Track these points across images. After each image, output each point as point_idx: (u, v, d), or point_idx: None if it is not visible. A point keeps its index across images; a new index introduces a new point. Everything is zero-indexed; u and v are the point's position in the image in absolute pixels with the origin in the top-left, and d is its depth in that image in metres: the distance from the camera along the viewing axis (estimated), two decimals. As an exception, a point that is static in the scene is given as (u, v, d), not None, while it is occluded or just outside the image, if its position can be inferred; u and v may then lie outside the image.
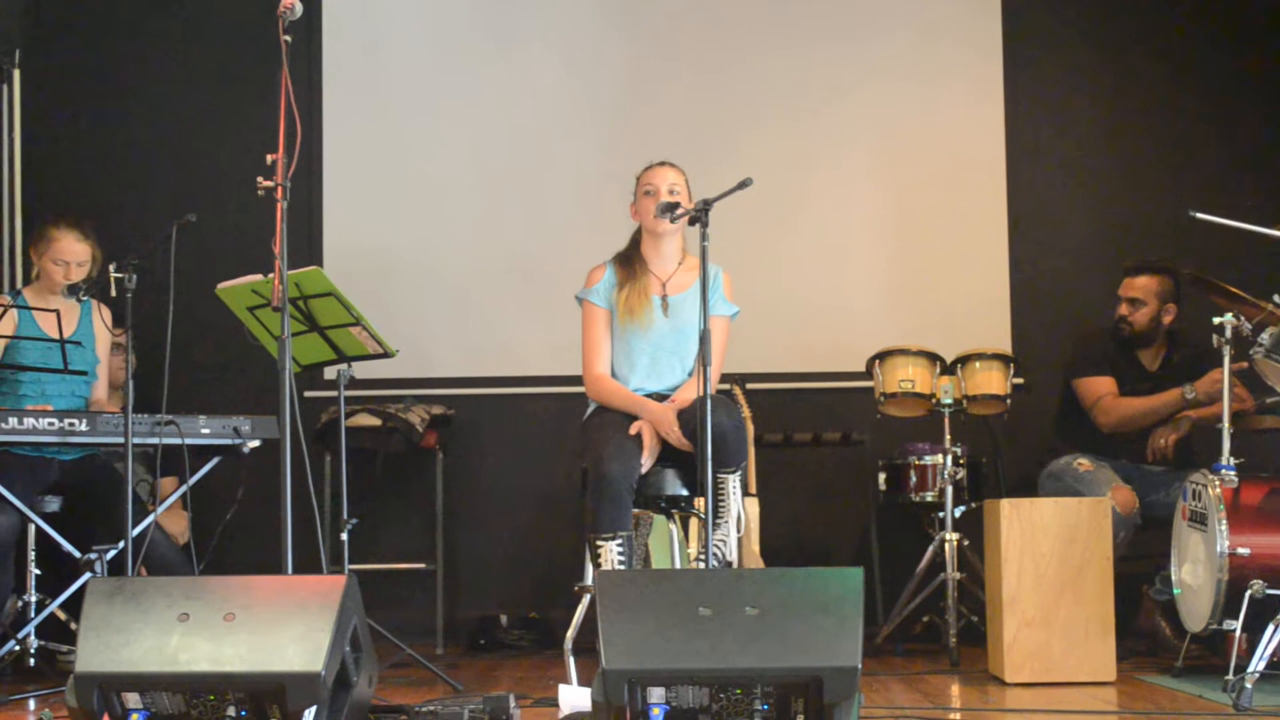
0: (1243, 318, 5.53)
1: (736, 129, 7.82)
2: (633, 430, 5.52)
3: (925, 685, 5.78)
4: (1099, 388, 6.73)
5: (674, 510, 5.67)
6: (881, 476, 7.13)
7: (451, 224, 7.88)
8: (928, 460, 6.96)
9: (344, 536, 5.84)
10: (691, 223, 5.19)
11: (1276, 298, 5.51)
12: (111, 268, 5.56)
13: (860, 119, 7.92)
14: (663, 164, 5.81)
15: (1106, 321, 6.85)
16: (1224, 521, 5.48)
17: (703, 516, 5.19)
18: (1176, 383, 6.68)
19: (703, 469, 5.00)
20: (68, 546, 5.84)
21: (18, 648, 5.81)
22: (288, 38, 4.87)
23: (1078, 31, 8.00)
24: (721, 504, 5.43)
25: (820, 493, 7.71)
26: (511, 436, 7.83)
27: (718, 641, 4.03)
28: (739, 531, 5.53)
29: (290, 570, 4.70)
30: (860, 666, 4.01)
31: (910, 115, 7.90)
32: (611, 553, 5.29)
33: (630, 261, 5.82)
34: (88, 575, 5.53)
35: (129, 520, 5.45)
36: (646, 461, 5.51)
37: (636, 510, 5.59)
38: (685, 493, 5.59)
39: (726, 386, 6.70)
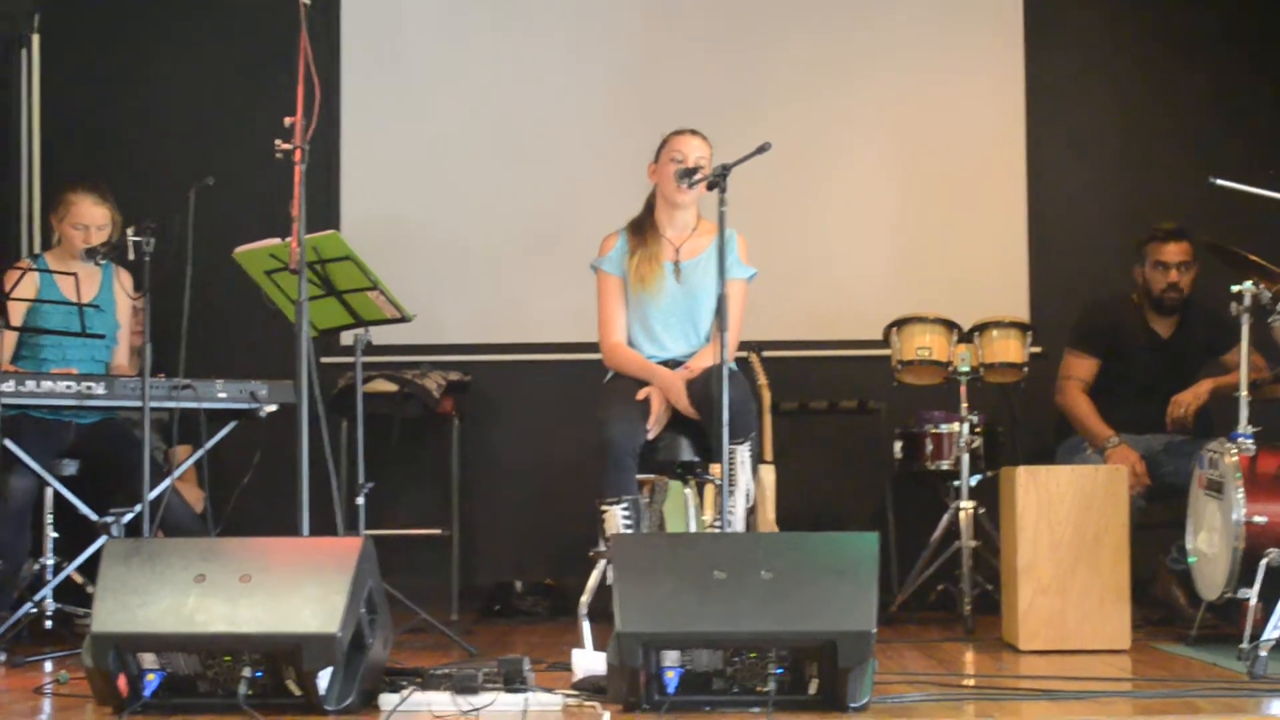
0: (1262, 286, 5.51)
1: (754, 98, 7.80)
2: (640, 396, 5.54)
3: (940, 652, 5.78)
4: (1078, 369, 6.76)
5: (689, 476, 5.68)
6: (897, 445, 7.12)
7: (469, 190, 7.88)
8: (944, 428, 6.94)
9: (360, 501, 5.85)
10: (710, 188, 5.19)
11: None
12: (129, 232, 5.58)
13: (879, 88, 7.90)
14: (694, 133, 5.78)
15: (1121, 290, 6.84)
16: (1240, 490, 5.46)
17: (716, 482, 5.20)
18: (1193, 350, 6.68)
19: (718, 436, 5.00)
20: (85, 510, 5.86)
21: (35, 610, 5.83)
22: (306, 1, 4.87)
23: (1098, 4, 7.96)
24: (730, 474, 5.43)
25: (836, 461, 7.70)
26: (528, 403, 7.84)
27: (732, 605, 4.04)
28: (747, 503, 5.54)
29: (306, 535, 4.71)
30: (875, 631, 4.02)
31: (929, 85, 7.89)
32: (617, 517, 5.33)
33: (643, 228, 5.82)
34: (104, 538, 5.54)
35: (146, 483, 5.47)
36: (653, 428, 5.52)
37: (652, 476, 5.61)
38: (698, 459, 5.60)
39: (744, 354, 6.69)
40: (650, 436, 5.53)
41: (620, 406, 5.53)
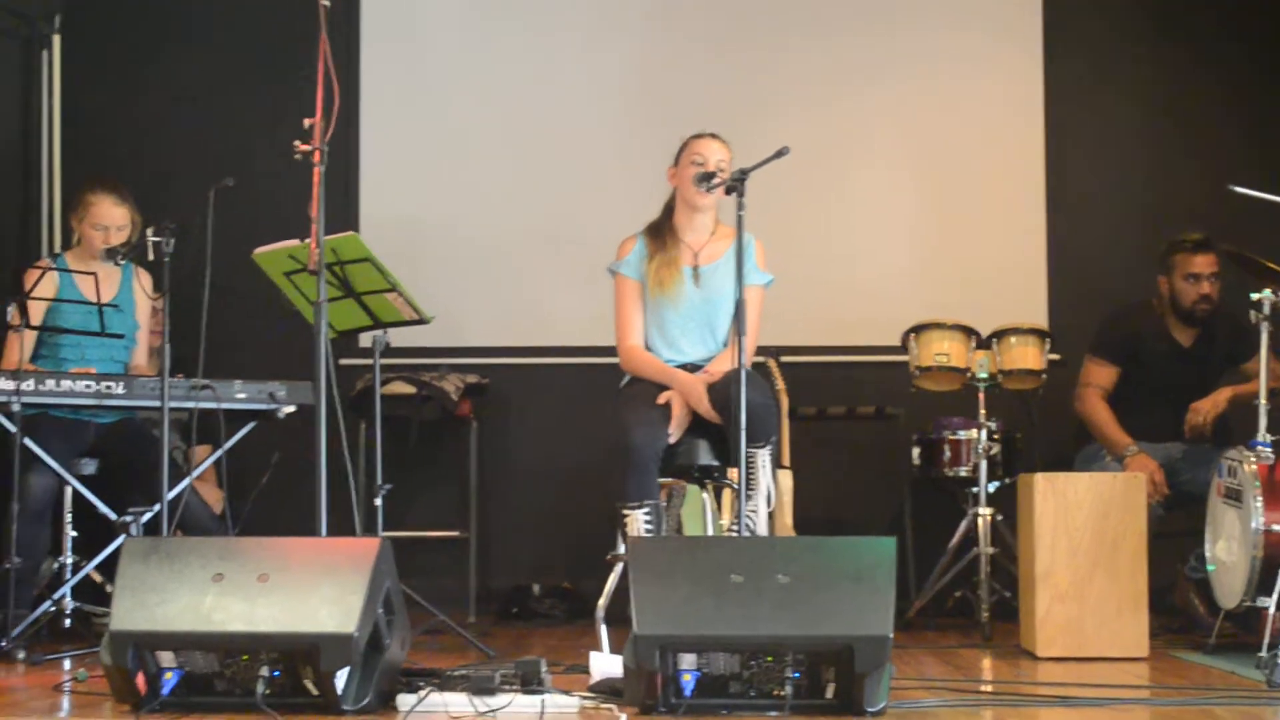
0: (1280, 294, 5.51)
1: (772, 99, 7.81)
2: (661, 400, 5.54)
3: (957, 659, 5.77)
4: (1098, 376, 6.74)
5: (707, 481, 5.67)
6: (915, 451, 7.11)
7: (488, 193, 7.89)
8: (962, 435, 6.94)
9: (377, 503, 5.85)
10: (728, 192, 5.20)
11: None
12: (149, 232, 5.59)
13: (898, 92, 7.90)
14: (714, 136, 5.77)
15: (1140, 296, 6.83)
16: (1259, 498, 5.45)
17: (735, 487, 5.20)
18: (1214, 358, 6.67)
19: (736, 441, 5.00)
20: (104, 509, 5.87)
21: (54, 609, 5.84)
22: (326, 3, 4.89)
23: (1117, 7, 7.96)
24: (751, 478, 5.42)
25: (854, 467, 7.69)
26: (546, 406, 7.84)
27: (749, 609, 4.04)
28: (769, 506, 5.54)
29: (324, 535, 4.72)
30: (892, 636, 4.02)
31: (949, 89, 7.89)
32: (639, 521, 5.32)
33: (661, 232, 5.81)
34: (123, 537, 5.55)
35: (165, 483, 5.48)
36: (674, 432, 5.52)
37: (670, 480, 5.61)
38: (717, 463, 5.59)
39: (761, 359, 6.69)
40: (672, 440, 5.53)
41: (642, 410, 5.52)
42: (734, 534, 5.37)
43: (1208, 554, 5.89)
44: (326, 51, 4.82)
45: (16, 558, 5.71)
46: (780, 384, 6.60)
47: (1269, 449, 5.53)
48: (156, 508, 5.55)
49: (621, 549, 5.44)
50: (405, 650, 4.46)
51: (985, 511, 6.61)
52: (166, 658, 4.10)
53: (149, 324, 6.47)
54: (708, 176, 5.59)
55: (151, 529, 5.63)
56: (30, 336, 6.08)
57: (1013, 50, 7.90)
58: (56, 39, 7.82)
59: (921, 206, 7.88)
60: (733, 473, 5.39)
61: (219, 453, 5.87)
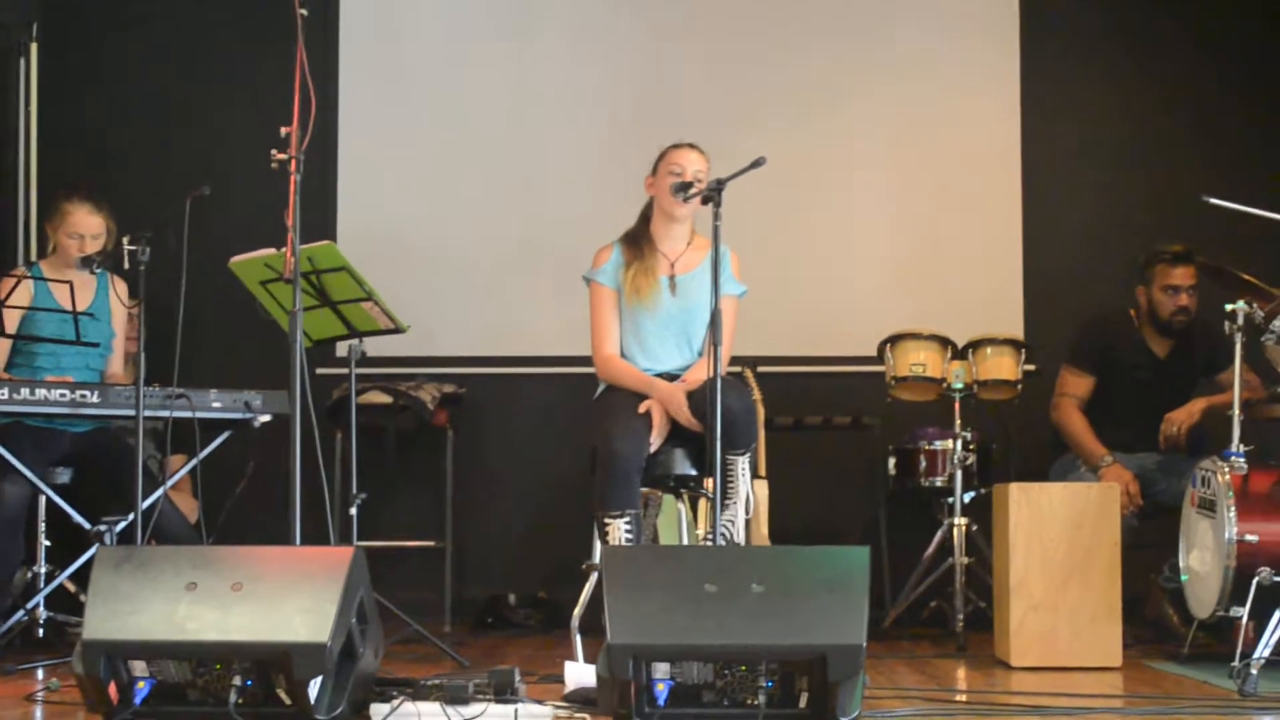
0: (1255, 305, 5.52)
1: (750, 111, 7.81)
2: (641, 409, 5.53)
3: (931, 668, 5.78)
4: (1074, 386, 6.74)
5: (683, 490, 5.67)
6: (891, 461, 7.13)
7: (465, 202, 7.90)
8: (938, 445, 6.95)
9: (352, 512, 5.85)
10: (704, 202, 5.20)
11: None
12: (125, 240, 5.57)
13: (877, 104, 7.92)
14: (692, 146, 5.76)
15: (1115, 307, 6.84)
16: (1233, 508, 5.48)
17: (711, 497, 5.20)
18: (1189, 369, 6.69)
19: (712, 450, 5.00)
20: (78, 518, 5.85)
21: (27, 618, 5.83)
22: (304, 11, 4.89)
23: (1095, 17, 7.99)
24: (730, 486, 5.43)
25: (830, 477, 7.70)
26: (522, 416, 7.84)
27: (723, 618, 4.04)
28: (747, 514, 5.54)
29: (299, 545, 4.71)
30: (865, 645, 4.02)
31: (924, 99, 7.91)
32: (619, 530, 5.31)
33: (638, 241, 5.81)
34: (97, 546, 5.54)
35: (139, 492, 5.47)
36: (655, 441, 5.51)
37: (645, 490, 5.60)
38: (694, 473, 5.59)
39: (738, 369, 6.69)
40: (653, 449, 5.52)
41: (624, 419, 5.49)
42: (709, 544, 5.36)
43: (1181, 564, 5.91)
44: (303, 60, 4.82)
45: (-10, 567, 5.70)
46: (757, 394, 6.61)
47: (1242, 459, 5.56)
48: (131, 517, 5.54)
49: (597, 558, 5.43)
50: (379, 659, 4.45)
51: (960, 521, 6.63)
52: (139, 667, 4.09)
53: (125, 332, 6.45)
54: (685, 186, 5.59)
55: (126, 538, 5.62)
56: (5, 345, 6.07)
57: (990, 62, 7.92)
58: (34, 47, 7.81)
59: (898, 217, 7.89)
60: (709, 482, 5.39)
61: (194, 462, 5.87)
